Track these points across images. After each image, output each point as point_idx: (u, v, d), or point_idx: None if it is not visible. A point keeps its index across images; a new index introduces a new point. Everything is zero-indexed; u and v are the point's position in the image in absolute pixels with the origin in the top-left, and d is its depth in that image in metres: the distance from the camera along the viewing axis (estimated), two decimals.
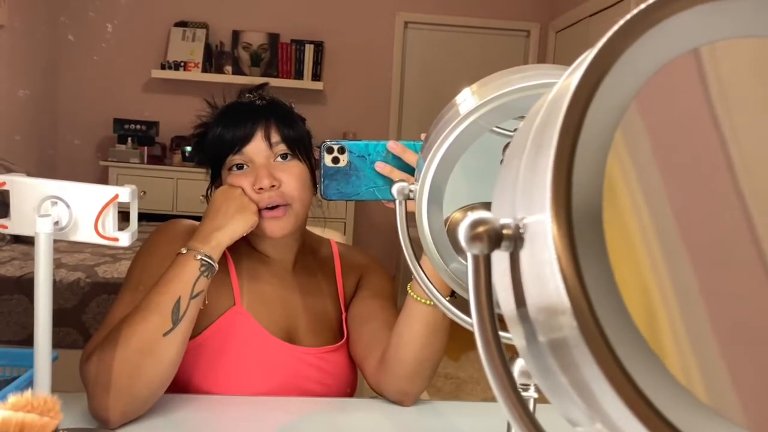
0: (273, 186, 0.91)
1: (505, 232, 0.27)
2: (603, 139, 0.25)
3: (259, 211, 0.91)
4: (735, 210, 0.25)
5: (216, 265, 0.85)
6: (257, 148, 0.92)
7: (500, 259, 0.29)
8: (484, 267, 0.28)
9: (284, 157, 0.93)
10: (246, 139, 0.91)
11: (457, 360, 2.97)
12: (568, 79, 0.27)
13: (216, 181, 0.97)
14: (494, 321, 0.29)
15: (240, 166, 0.92)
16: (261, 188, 0.90)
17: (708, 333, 0.24)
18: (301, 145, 0.95)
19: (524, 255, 0.27)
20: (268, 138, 0.92)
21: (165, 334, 0.80)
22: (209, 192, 0.98)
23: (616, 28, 0.25)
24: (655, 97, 0.25)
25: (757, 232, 0.25)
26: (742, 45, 0.26)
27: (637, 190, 0.25)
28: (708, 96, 0.26)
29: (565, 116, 0.25)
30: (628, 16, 0.25)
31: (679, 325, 0.24)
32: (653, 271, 0.25)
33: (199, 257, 0.83)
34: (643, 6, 0.25)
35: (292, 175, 0.92)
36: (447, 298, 0.63)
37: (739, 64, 0.26)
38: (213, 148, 0.94)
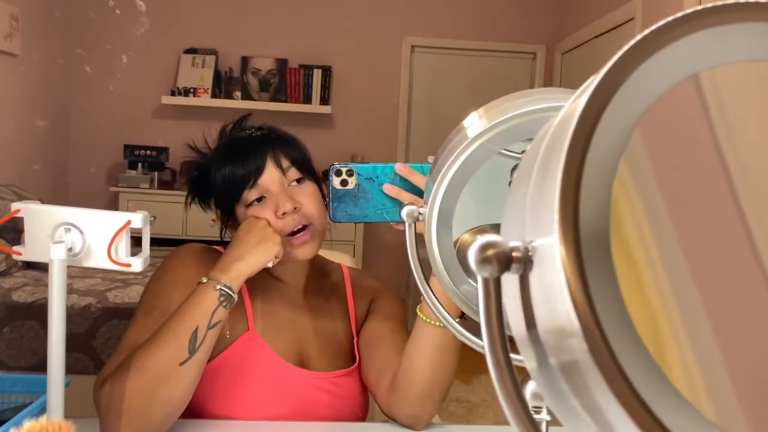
0: (295, 209, 0.91)
1: (514, 254, 0.28)
2: (608, 163, 0.25)
3: (286, 238, 0.92)
4: (737, 230, 0.25)
5: (235, 296, 0.85)
6: (271, 176, 0.93)
7: (510, 282, 0.29)
8: (494, 290, 0.29)
9: (297, 180, 0.94)
10: (259, 171, 0.92)
11: (468, 383, 2.94)
12: (574, 104, 0.27)
13: (230, 219, 0.98)
14: (505, 343, 0.29)
15: (258, 199, 0.93)
16: (284, 213, 0.91)
17: (714, 352, 0.24)
18: (308, 164, 0.97)
19: (534, 277, 0.28)
20: (279, 165, 0.93)
21: (181, 364, 0.80)
22: (223, 233, 0.99)
23: (620, 53, 0.26)
24: (658, 121, 0.26)
25: (760, 252, 0.25)
26: (742, 69, 0.26)
27: (641, 213, 0.25)
28: (709, 119, 0.26)
29: (571, 140, 0.25)
30: (632, 42, 0.26)
31: (685, 345, 0.24)
32: (658, 292, 0.25)
33: (218, 287, 0.83)
34: (646, 32, 0.26)
35: (309, 196, 0.94)
36: (457, 320, 0.63)
37: (739, 88, 0.27)
38: (226, 187, 0.94)
